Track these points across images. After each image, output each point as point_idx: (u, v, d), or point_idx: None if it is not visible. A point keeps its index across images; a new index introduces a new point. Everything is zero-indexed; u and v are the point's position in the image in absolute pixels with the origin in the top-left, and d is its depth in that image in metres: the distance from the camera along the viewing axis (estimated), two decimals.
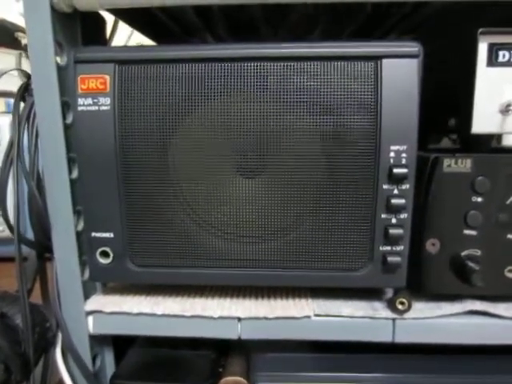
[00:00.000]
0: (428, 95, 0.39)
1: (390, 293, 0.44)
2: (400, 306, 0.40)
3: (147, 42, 0.65)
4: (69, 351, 0.43)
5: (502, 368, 0.43)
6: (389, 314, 0.41)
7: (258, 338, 0.42)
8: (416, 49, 0.37)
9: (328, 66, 0.38)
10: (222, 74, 0.38)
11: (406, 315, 0.41)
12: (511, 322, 0.41)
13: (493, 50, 0.38)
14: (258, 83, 0.38)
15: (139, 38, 0.65)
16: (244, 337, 0.42)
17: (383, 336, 0.41)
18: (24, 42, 0.85)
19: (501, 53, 0.38)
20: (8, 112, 1.01)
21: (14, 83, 0.47)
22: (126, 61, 0.39)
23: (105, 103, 0.39)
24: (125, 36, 0.70)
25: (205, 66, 0.38)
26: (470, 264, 0.40)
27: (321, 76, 0.38)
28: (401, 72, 0.37)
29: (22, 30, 0.88)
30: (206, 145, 0.39)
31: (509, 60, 0.38)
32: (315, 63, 0.38)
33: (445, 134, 0.50)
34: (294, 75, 0.38)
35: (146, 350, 0.49)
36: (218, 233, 0.41)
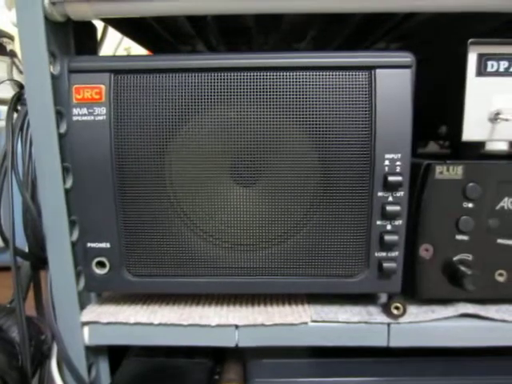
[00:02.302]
0: (418, 103, 0.40)
1: (384, 297, 0.45)
2: (395, 311, 0.41)
3: (136, 47, 0.65)
4: (64, 363, 0.43)
5: (493, 369, 0.44)
6: (384, 318, 0.42)
7: (256, 345, 0.43)
8: (409, 59, 0.38)
9: (322, 76, 0.38)
10: (217, 84, 0.38)
11: (401, 319, 0.42)
12: (502, 324, 0.42)
13: (482, 60, 0.39)
14: (253, 93, 0.38)
15: (128, 44, 0.65)
16: (241, 344, 0.43)
17: (378, 341, 0.42)
18: (9, 47, 0.84)
19: (489, 63, 0.39)
20: None
21: (5, 89, 0.46)
22: (122, 70, 0.39)
23: (100, 113, 0.39)
24: (114, 42, 0.70)
25: (201, 76, 0.38)
26: (462, 268, 0.40)
27: (315, 86, 0.38)
28: (394, 82, 0.38)
29: (8, 36, 0.86)
30: (202, 154, 0.40)
31: (497, 70, 0.40)
32: (309, 73, 0.38)
33: (435, 140, 0.51)
34: (288, 85, 0.38)
35: (141, 359, 0.49)
36: (215, 241, 0.41)
